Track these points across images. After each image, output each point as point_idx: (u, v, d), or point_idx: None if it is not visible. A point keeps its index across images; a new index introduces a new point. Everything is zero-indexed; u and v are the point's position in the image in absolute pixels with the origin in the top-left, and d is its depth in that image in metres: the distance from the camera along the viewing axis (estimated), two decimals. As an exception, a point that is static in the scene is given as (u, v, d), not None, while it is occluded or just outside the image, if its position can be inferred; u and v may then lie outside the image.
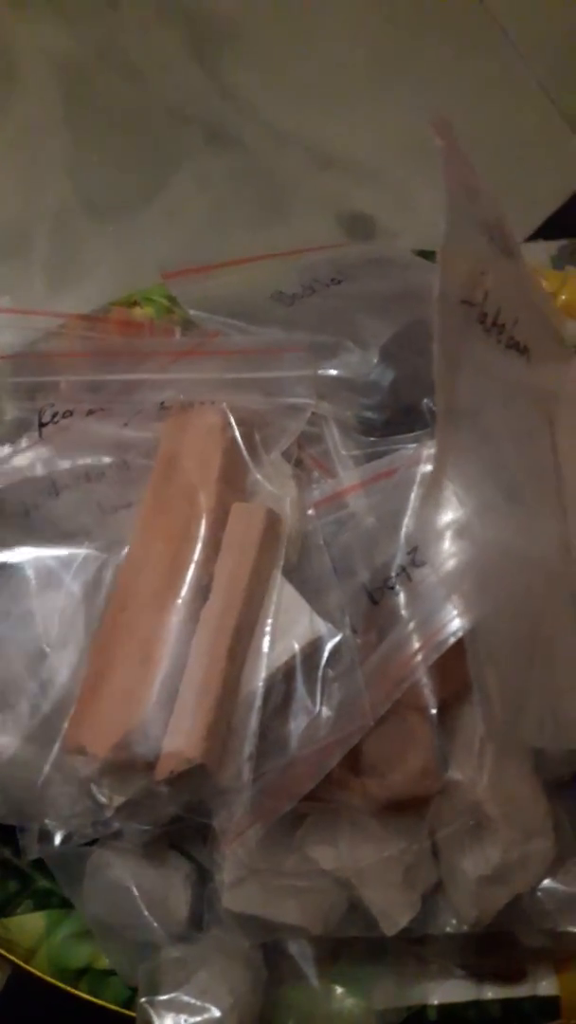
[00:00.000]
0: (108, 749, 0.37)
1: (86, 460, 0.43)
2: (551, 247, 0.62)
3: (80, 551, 0.41)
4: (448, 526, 0.34)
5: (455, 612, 0.34)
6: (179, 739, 0.36)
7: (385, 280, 0.47)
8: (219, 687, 0.37)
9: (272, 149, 0.67)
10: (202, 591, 0.39)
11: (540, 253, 0.62)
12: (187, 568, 0.39)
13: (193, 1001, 0.38)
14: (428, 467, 0.39)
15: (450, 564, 0.33)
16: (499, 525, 0.32)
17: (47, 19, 0.68)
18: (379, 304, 0.45)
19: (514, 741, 0.35)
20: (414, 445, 0.41)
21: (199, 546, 0.39)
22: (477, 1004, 0.42)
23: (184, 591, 0.39)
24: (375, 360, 0.43)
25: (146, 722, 0.37)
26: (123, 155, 0.67)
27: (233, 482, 0.41)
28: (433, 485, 0.33)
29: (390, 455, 0.41)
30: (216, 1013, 0.38)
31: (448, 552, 0.34)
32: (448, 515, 0.34)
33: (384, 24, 0.71)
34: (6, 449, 0.44)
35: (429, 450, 0.39)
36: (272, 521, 0.39)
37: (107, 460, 0.43)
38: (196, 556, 0.39)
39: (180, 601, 0.38)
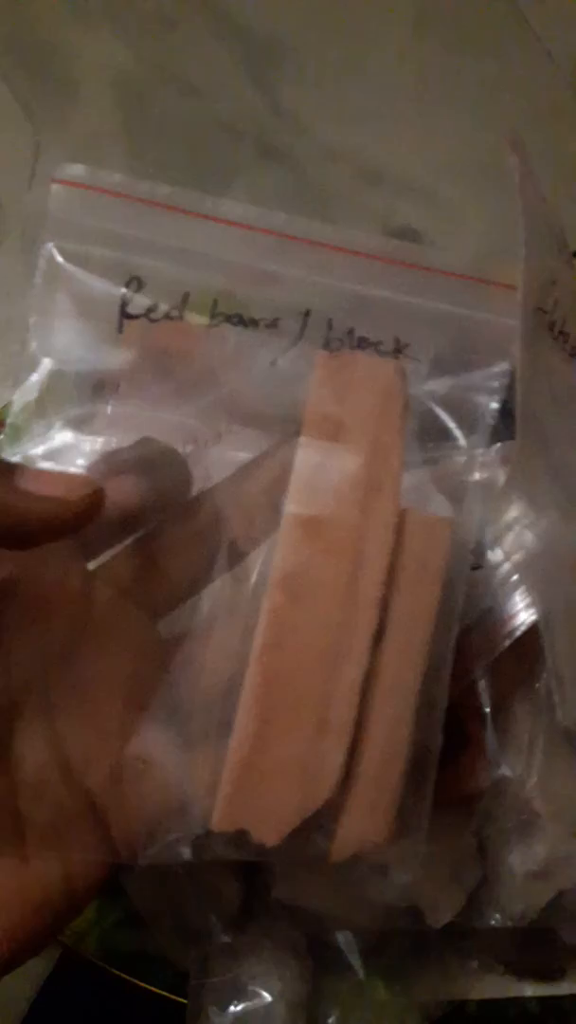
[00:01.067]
0: (281, 837, 0.29)
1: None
2: (595, 265, 0.63)
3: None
4: (516, 523, 0.35)
5: (520, 606, 0.35)
6: (362, 820, 0.30)
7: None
8: (404, 758, 0.30)
9: (322, 165, 0.68)
10: (378, 632, 0.30)
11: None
12: (364, 600, 0.30)
13: (243, 986, 0.39)
14: (481, 474, 0.40)
15: (519, 559, 0.34)
16: (563, 523, 0.33)
17: (108, 37, 0.70)
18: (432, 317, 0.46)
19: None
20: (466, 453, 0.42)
21: (378, 570, 0.30)
22: (516, 1001, 0.43)
23: (362, 633, 0.29)
24: (429, 370, 0.44)
25: (328, 806, 0.29)
26: (178, 168, 0.68)
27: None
28: (507, 484, 0.34)
29: (444, 461, 0.42)
30: (267, 998, 0.39)
31: (517, 548, 0.35)
32: (514, 513, 0.35)
33: (434, 47, 0.72)
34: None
35: (482, 457, 0.41)
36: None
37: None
38: (375, 585, 0.30)
39: (359, 647, 0.29)
